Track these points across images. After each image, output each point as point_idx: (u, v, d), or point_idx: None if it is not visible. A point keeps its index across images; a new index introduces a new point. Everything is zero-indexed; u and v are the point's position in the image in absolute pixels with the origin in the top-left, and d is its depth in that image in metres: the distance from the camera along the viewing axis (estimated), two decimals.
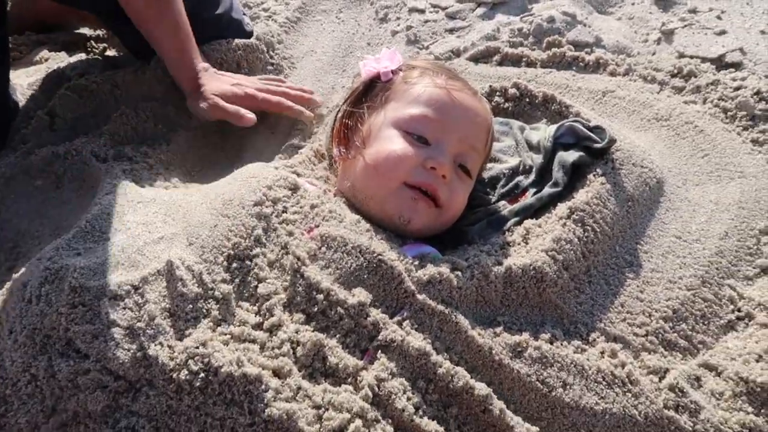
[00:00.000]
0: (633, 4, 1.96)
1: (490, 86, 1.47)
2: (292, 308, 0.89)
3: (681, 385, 0.96)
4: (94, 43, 1.99)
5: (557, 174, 1.20)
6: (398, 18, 2.00)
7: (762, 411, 0.94)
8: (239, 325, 0.86)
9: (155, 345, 0.79)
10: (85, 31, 2.06)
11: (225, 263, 0.91)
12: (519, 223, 1.15)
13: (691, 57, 1.64)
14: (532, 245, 1.08)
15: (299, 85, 1.62)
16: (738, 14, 1.81)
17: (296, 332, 0.86)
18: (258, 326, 0.87)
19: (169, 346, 0.80)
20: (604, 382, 0.96)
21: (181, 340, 0.81)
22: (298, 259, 0.92)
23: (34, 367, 0.80)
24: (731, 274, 1.13)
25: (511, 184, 1.25)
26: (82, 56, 1.82)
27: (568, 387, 0.95)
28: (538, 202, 1.17)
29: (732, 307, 1.09)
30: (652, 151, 1.35)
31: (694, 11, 1.85)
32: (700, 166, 1.34)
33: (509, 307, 1.02)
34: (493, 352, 0.93)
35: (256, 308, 0.89)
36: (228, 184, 1.06)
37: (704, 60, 1.63)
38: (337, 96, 1.68)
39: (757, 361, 0.99)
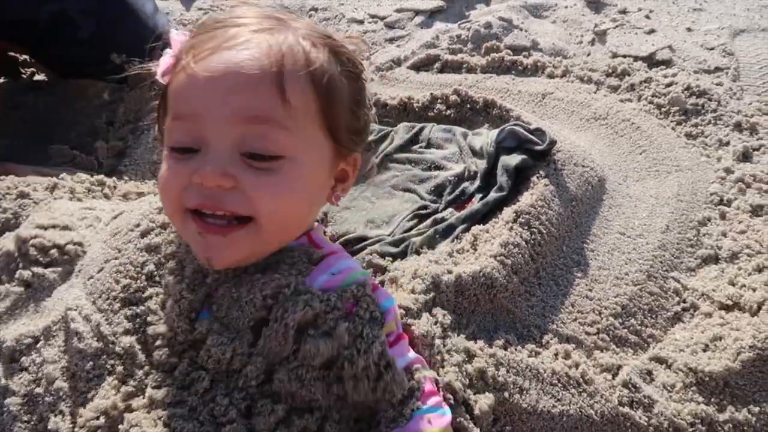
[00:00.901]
0: (566, 7, 2.01)
1: (431, 94, 1.47)
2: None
3: (634, 380, 0.97)
4: (21, 69, 1.91)
5: (501, 178, 1.20)
6: (338, 30, 1.99)
7: (712, 400, 0.95)
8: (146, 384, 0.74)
9: (55, 416, 0.70)
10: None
11: (123, 310, 0.78)
12: (467, 229, 1.15)
13: (624, 56, 1.69)
14: (481, 251, 1.07)
15: None
16: (665, 13, 1.88)
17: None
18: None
19: (71, 414, 0.70)
20: (559, 384, 0.96)
21: (83, 405, 0.71)
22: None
23: None
24: (675, 267, 1.16)
25: (457, 191, 1.24)
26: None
27: (524, 392, 0.94)
28: (485, 207, 1.17)
29: (677, 299, 1.11)
30: (593, 149, 1.37)
31: (624, 12, 1.91)
32: (638, 162, 1.37)
33: (461, 315, 1.01)
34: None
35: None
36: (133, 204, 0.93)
37: (636, 59, 1.68)
38: None
39: (704, 350, 1.01)
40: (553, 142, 1.22)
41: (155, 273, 0.81)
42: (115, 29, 1.64)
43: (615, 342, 1.05)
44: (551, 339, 1.04)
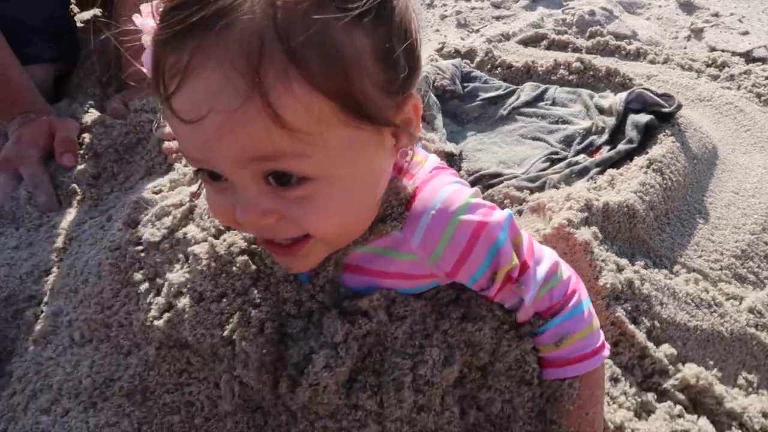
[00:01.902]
0: (660, 6, 2.15)
1: (555, 60, 1.60)
2: None
3: (758, 308, 1.09)
4: None
5: (631, 133, 1.33)
6: (444, 5, 2.13)
7: None
8: None
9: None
10: None
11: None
12: (601, 172, 1.27)
13: (722, 51, 1.82)
14: (619, 188, 1.20)
15: None
16: (756, 20, 2.01)
17: None
18: None
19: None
20: (693, 304, 1.08)
21: None
22: None
23: None
24: None
25: (586, 142, 1.37)
26: None
27: (664, 305, 1.06)
28: (617, 155, 1.30)
29: None
30: (701, 125, 1.50)
31: (716, 15, 2.05)
32: (744, 138, 1.50)
33: (606, 238, 1.13)
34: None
35: None
36: None
37: (734, 54, 1.81)
38: None
39: None
40: (680, 106, 1.35)
41: None
42: None
43: (736, 279, 1.17)
44: (680, 269, 1.16)
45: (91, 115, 1.35)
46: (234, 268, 0.78)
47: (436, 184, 0.72)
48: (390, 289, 0.77)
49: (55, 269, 1.09)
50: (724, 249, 1.20)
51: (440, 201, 0.69)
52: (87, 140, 1.29)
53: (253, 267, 0.78)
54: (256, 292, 0.77)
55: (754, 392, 1.02)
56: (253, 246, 0.80)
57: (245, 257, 0.77)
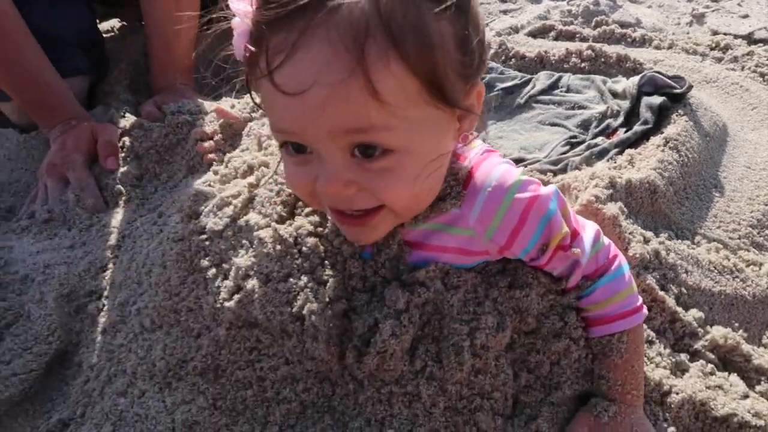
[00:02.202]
0: None
1: (567, 48, 1.66)
2: None
3: None
4: None
5: (645, 114, 1.39)
6: None
7: None
8: None
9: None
10: None
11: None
12: (620, 153, 1.34)
13: (725, 34, 1.89)
14: (639, 166, 1.26)
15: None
16: (755, 3, 2.09)
17: None
18: None
19: None
20: (716, 271, 1.14)
21: None
22: None
23: None
24: None
25: (602, 125, 1.44)
26: None
27: (689, 273, 1.12)
28: (634, 136, 1.36)
29: None
30: (710, 104, 1.57)
31: (716, 0, 2.12)
32: (751, 116, 1.57)
33: (630, 214, 1.19)
34: None
35: None
36: None
37: (736, 36, 1.88)
38: None
39: None
40: (690, 86, 1.41)
41: None
42: None
43: (754, 246, 1.23)
44: (701, 240, 1.22)
45: (129, 120, 1.41)
46: (304, 249, 0.84)
47: (489, 165, 0.79)
48: (444, 263, 0.84)
49: (110, 265, 1.15)
50: (741, 219, 1.27)
51: (495, 179, 0.76)
52: (127, 143, 1.35)
53: (321, 247, 0.84)
54: (323, 270, 0.84)
55: None
56: (319, 229, 0.86)
57: (315, 238, 0.84)
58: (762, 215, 1.28)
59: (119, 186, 1.30)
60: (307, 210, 0.90)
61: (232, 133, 1.28)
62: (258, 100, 0.71)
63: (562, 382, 0.88)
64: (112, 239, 1.19)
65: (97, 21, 1.77)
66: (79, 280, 1.13)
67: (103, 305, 1.09)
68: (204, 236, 0.94)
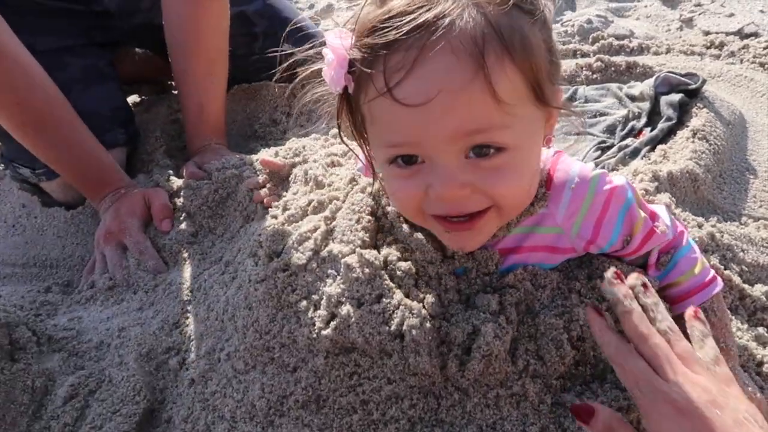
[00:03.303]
0: (645, 6, 2.34)
1: (576, 63, 1.75)
2: None
3: None
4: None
5: (667, 111, 1.46)
6: None
7: None
8: None
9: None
10: None
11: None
12: (651, 150, 1.39)
13: (716, 33, 1.99)
14: (675, 159, 1.32)
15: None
16: (736, 2, 2.20)
17: None
18: None
19: None
20: None
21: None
22: None
23: None
24: None
25: (627, 128, 1.50)
26: None
27: (745, 251, 1.16)
28: (661, 133, 1.42)
29: None
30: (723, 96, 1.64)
31: (699, 4, 2.23)
32: (762, 102, 1.64)
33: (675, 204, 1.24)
34: None
35: None
36: None
37: (728, 34, 1.98)
38: None
39: None
40: (704, 81, 1.49)
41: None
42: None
43: None
44: (747, 220, 1.27)
45: (175, 182, 1.46)
46: (394, 271, 0.88)
47: (566, 163, 0.85)
48: (530, 265, 0.88)
49: (184, 320, 1.17)
50: None
51: (576, 176, 0.82)
52: (179, 203, 1.39)
53: (413, 268, 0.88)
54: (416, 288, 0.87)
55: None
56: (405, 254, 0.90)
57: (405, 262, 0.88)
58: None
59: (176, 245, 1.33)
60: (389, 239, 0.94)
61: (279, 180, 1.33)
62: (346, 132, 0.79)
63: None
64: (181, 295, 1.22)
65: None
66: (156, 339, 1.15)
67: (184, 359, 1.10)
68: (288, 272, 0.97)
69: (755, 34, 1.96)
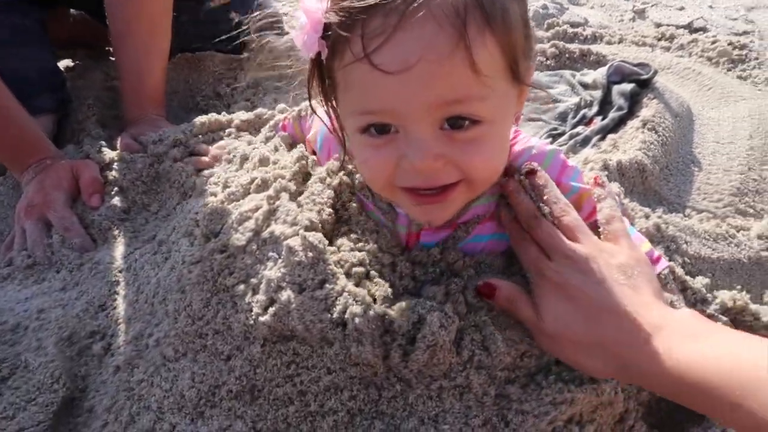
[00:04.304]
0: None
1: None
2: None
3: (766, 234, 1.22)
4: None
5: (619, 101, 1.46)
6: None
7: None
8: None
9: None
10: None
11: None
12: (602, 139, 1.39)
13: (667, 25, 2.02)
14: (625, 148, 1.32)
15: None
16: None
17: None
18: None
19: None
20: (711, 239, 1.20)
21: None
22: None
23: None
24: (765, 162, 1.44)
25: (579, 116, 1.49)
26: None
27: (688, 243, 1.17)
28: (612, 122, 1.42)
29: None
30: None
31: None
32: (709, 96, 1.67)
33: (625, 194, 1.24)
34: None
35: None
36: None
37: (678, 27, 2.00)
38: None
39: None
40: (656, 71, 1.49)
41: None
42: None
43: (739, 213, 1.30)
44: (691, 212, 1.28)
45: (107, 154, 1.35)
46: (338, 253, 0.83)
47: (525, 139, 0.89)
48: (475, 254, 0.86)
49: (111, 302, 1.09)
50: (722, 190, 1.34)
51: (535, 148, 0.86)
52: (111, 177, 1.29)
53: (361, 253, 0.83)
54: (361, 271, 0.83)
55: None
56: (354, 236, 0.86)
57: (363, 253, 0.84)
58: (740, 184, 1.35)
59: (106, 221, 1.24)
60: (345, 228, 0.89)
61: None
62: (316, 99, 0.77)
63: None
64: (109, 276, 1.13)
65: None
66: (79, 322, 1.07)
67: (109, 344, 1.02)
68: (226, 254, 0.91)
69: (704, 29, 2.00)
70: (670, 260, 1.10)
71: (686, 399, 0.67)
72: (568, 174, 0.87)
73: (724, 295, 1.09)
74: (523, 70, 0.71)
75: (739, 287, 1.15)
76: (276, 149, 1.15)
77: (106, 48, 2.01)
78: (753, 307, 1.09)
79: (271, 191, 0.94)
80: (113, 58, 1.98)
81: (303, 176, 1.01)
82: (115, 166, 1.30)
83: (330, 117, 0.80)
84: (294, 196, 0.96)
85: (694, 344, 0.68)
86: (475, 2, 0.64)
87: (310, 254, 0.84)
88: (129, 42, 1.43)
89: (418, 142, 0.68)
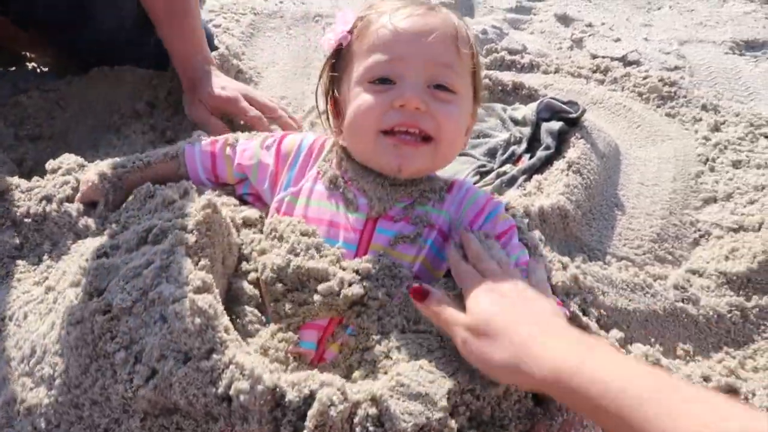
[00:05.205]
0: (540, 21, 2.34)
1: None
2: None
3: (681, 283, 1.22)
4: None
5: (547, 140, 1.44)
6: None
7: (740, 293, 1.23)
8: None
9: None
10: None
11: None
12: (527, 179, 1.37)
13: (603, 57, 2.03)
14: (548, 191, 1.30)
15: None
16: (623, 27, 2.26)
17: None
18: None
19: None
20: (628, 289, 1.19)
21: None
22: None
23: None
24: (686, 206, 1.45)
25: (508, 153, 1.47)
26: None
27: (605, 294, 1.16)
28: (539, 161, 1.41)
29: (694, 228, 1.40)
30: (601, 125, 1.66)
31: (590, 25, 2.27)
32: (637, 133, 1.68)
33: (545, 240, 1.22)
34: None
35: None
36: None
37: (613, 59, 2.02)
38: (310, 101, 1.80)
39: (726, 260, 1.29)
40: (584, 110, 1.49)
41: None
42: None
43: (657, 260, 1.31)
44: (611, 259, 1.27)
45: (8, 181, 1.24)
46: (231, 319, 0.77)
47: (463, 180, 1.12)
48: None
49: None
50: (643, 235, 1.34)
51: (470, 185, 1.07)
52: (2, 210, 1.19)
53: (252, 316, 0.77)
54: (247, 344, 0.77)
55: (692, 360, 1.14)
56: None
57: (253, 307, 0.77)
58: (660, 229, 1.36)
59: None
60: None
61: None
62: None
63: (506, 425, 0.86)
64: None
65: None
66: None
67: None
68: (108, 315, 0.83)
69: (637, 63, 2.02)
70: (584, 313, 1.09)
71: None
72: (493, 205, 1.03)
73: (638, 350, 1.09)
74: (479, 93, 1.05)
75: (653, 340, 1.15)
76: (186, 192, 1.07)
77: (24, 53, 1.88)
78: (665, 362, 1.09)
79: (166, 245, 0.87)
80: (30, 64, 1.86)
81: (207, 227, 0.94)
82: (7, 196, 1.20)
83: (331, 96, 1.07)
84: (193, 251, 0.89)
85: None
86: (464, 28, 1.01)
87: (198, 320, 0.78)
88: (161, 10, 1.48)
89: (412, 85, 0.94)
